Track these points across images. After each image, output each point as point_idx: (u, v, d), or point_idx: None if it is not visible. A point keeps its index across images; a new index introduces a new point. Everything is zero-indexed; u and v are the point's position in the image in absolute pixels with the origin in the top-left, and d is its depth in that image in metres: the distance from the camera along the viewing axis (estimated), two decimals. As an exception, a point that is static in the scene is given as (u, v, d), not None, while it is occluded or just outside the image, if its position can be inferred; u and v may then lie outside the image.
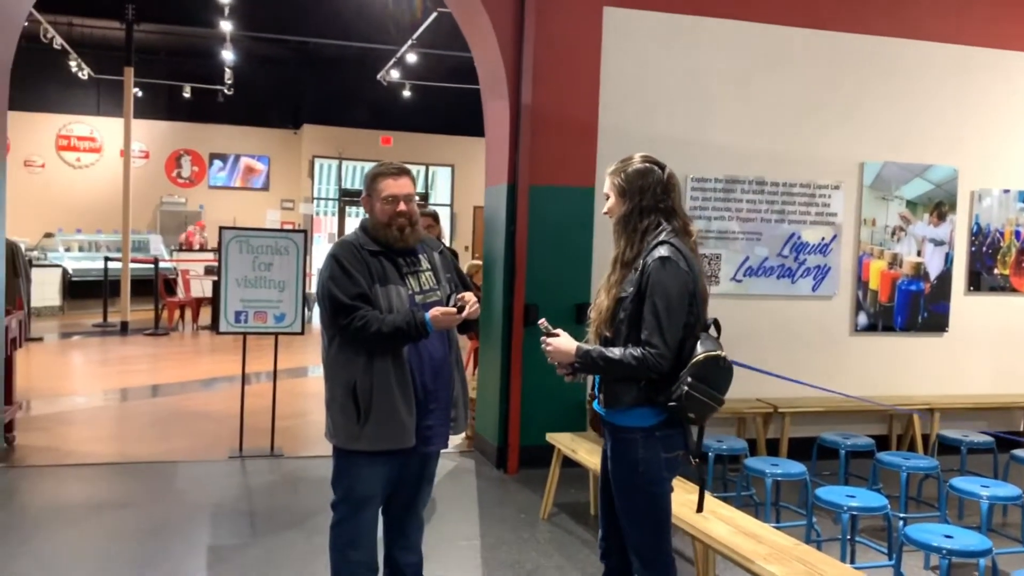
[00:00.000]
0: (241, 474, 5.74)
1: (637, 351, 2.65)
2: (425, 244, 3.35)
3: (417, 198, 3.33)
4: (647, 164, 2.84)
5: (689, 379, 2.61)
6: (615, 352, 2.69)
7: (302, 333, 6.39)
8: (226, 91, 16.60)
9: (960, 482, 4.40)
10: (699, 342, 2.67)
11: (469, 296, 3.15)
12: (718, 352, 2.67)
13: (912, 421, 6.51)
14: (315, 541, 4.45)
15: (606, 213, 2.92)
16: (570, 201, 5.95)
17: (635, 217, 2.80)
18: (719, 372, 2.67)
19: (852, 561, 4.15)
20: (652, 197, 2.79)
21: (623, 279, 2.77)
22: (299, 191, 19.00)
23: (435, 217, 6.49)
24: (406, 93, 16.69)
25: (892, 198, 6.73)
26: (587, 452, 4.73)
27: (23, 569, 4.05)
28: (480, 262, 6.77)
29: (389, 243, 3.20)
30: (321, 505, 4.97)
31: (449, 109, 17.36)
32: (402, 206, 3.19)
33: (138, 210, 16.12)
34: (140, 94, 16.44)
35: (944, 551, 3.42)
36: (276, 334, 6.28)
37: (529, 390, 5.88)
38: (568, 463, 5.02)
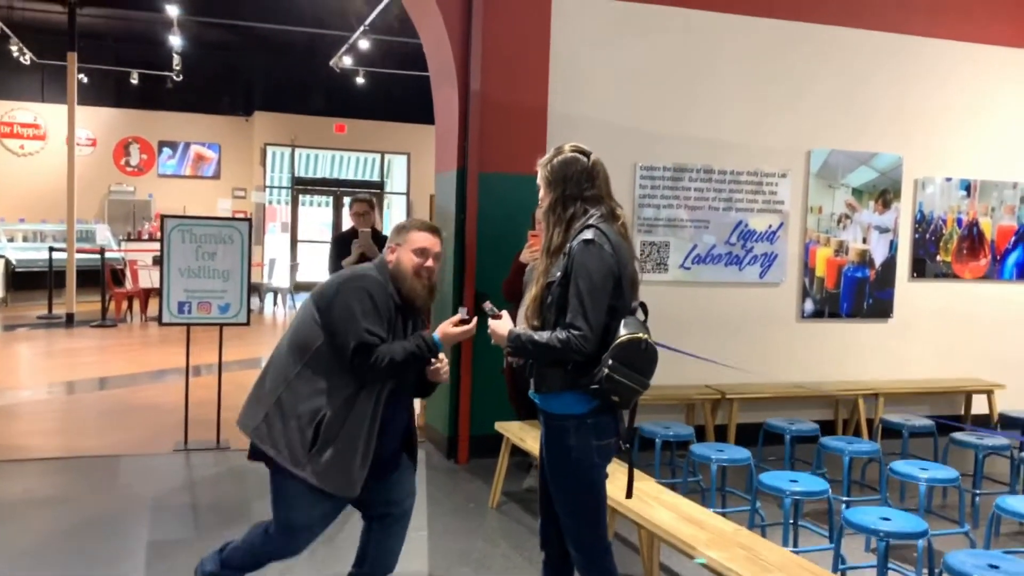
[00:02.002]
0: (185, 467, 5.64)
1: (562, 333, 2.65)
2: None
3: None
4: (572, 154, 2.86)
5: (610, 361, 2.61)
6: (543, 335, 2.71)
7: (247, 323, 6.28)
8: (175, 77, 16.26)
9: (900, 465, 4.48)
10: (622, 324, 2.67)
11: (443, 360, 3.18)
12: (640, 335, 2.66)
13: (857, 406, 6.62)
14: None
15: (541, 205, 2.92)
16: (520, 188, 5.88)
17: (559, 206, 2.82)
18: (641, 355, 2.66)
19: (795, 545, 4.20)
20: (575, 186, 2.81)
21: (551, 266, 2.78)
22: (251, 179, 18.71)
23: (371, 204, 6.39)
24: (360, 80, 16.50)
25: (838, 186, 6.81)
26: (535, 440, 4.71)
27: (-47, 568, 3.94)
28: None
29: (412, 296, 3.17)
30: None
31: (404, 96, 17.22)
32: (431, 262, 3.18)
33: (86, 199, 15.78)
34: (86, 80, 16.04)
35: (881, 533, 3.48)
36: (221, 325, 6.17)
37: (479, 380, 5.86)
38: (517, 452, 5.01)
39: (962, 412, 7.10)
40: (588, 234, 2.71)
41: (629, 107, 6.23)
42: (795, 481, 4.10)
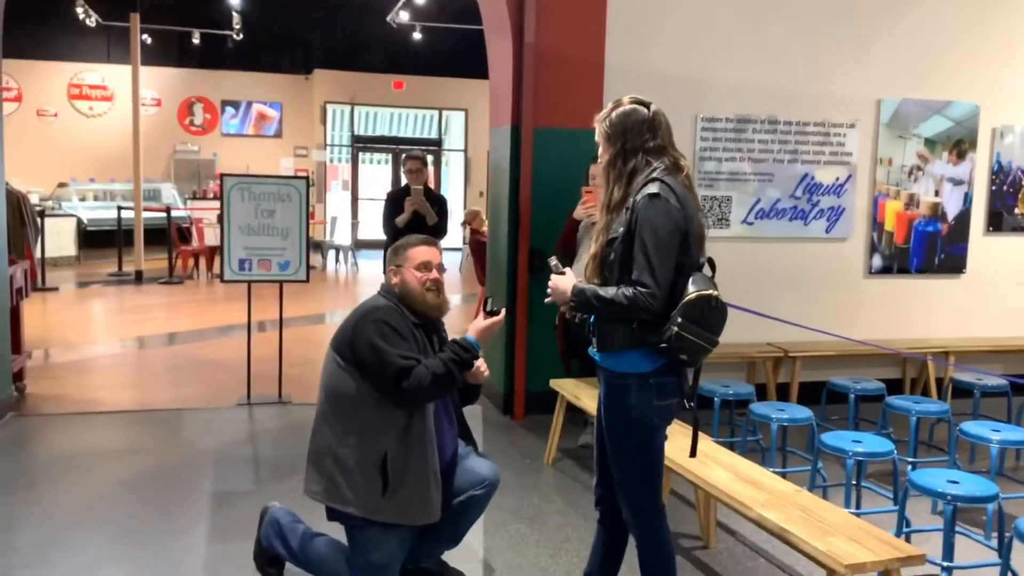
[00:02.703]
0: (248, 421, 5.76)
1: (629, 290, 2.58)
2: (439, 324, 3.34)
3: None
4: (631, 105, 2.75)
5: (679, 319, 2.53)
6: (608, 291, 2.63)
7: (307, 281, 6.35)
8: (235, 36, 16.37)
9: (970, 426, 4.31)
10: (690, 281, 2.57)
11: (482, 364, 3.15)
12: (710, 292, 2.57)
13: (926, 365, 6.41)
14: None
15: (600, 161, 2.82)
16: (576, 143, 5.77)
17: (619, 160, 2.71)
18: (711, 312, 2.57)
19: (857, 507, 4.10)
20: (637, 137, 2.70)
21: (612, 222, 2.69)
22: (312, 138, 18.85)
23: (423, 160, 6.34)
24: (417, 36, 16.39)
25: (910, 136, 6.52)
26: (589, 398, 4.68)
27: (28, 517, 4.09)
28: (477, 208, 6.68)
29: (426, 310, 3.17)
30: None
31: (461, 51, 17.01)
32: (435, 273, 3.18)
33: (152, 159, 16.07)
34: (149, 41, 16.27)
35: (949, 496, 3.36)
36: (280, 282, 6.25)
37: (534, 337, 5.82)
38: (573, 408, 4.99)
39: (1038, 372, 6.83)
40: (653, 188, 2.60)
41: (690, 56, 6.03)
42: (858, 441, 3.99)
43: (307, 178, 6.44)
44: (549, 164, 5.75)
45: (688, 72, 6.02)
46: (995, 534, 3.69)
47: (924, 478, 3.51)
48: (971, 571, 3.53)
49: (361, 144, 18.79)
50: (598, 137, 2.82)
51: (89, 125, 17.89)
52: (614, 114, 2.75)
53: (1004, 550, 3.25)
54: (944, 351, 6.38)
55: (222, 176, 6.14)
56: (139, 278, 12.46)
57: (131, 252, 12.85)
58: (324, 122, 18.49)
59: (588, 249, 5.07)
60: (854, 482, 4.07)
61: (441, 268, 3.24)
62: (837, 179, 6.41)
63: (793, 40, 6.22)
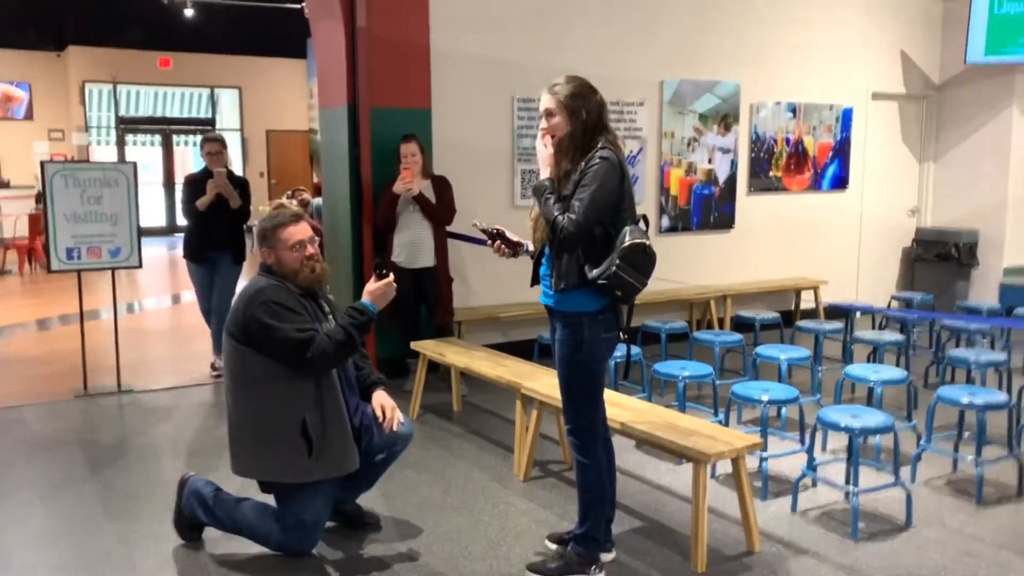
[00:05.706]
0: (98, 409, 5.67)
1: (561, 214, 3.04)
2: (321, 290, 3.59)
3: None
4: (587, 86, 3.14)
5: (618, 261, 3.04)
6: (553, 207, 3.07)
7: (140, 266, 6.28)
8: (-25, 9, 14.88)
9: (764, 349, 5.29)
10: (628, 232, 3.07)
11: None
12: (643, 241, 3.08)
13: (709, 306, 7.51)
14: (188, 464, 4.62)
15: (546, 131, 3.16)
16: (410, 123, 6.17)
17: (580, 135, 3.10)
18: (644, 258, 3.09)
19: (685, 423, 4.92)
20: (593, 115, 3.11)
21: (564, 187, 3.09)
22: (70, 120, 17.53)
23: (223, 143, 6.37)
24: (188, 12, 15.74)
25: (687, 112, 7.54)
26: (454, 354, 5.18)
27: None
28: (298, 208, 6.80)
29: (309, 284, 3.40)
30: (181, 435, 5.12)
31: (234, 27, 16.56)
32: (309, 249, 3.40)
33: None
34: None
35: (765, 401, 4.22)
36: (112, 269, 6.15)
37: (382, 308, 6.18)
38: (433, 367, 5.44)
39: (793, 306, 8.18)
40: (604, 153, 3.06)
41: (505, 41, 6.61)
42: (684, 368, 4.81)
43: (135, 164, 6.31)
44: (385, 142, 6.09)
45: (504, 56, 6.60)
46: (797, 432, 4.64)
47: (743, 389, 4.36)
48: (783, 458, 4.45)
49: (127, 125, 17.74)
50: (552, 105, 3.10)
51: None
52: (575, 87, 3.09)
53: (810, 438, 4.17)
54: (723, 294, 7.51)
55: (43, 164, 5.92)
56: None
57: None
58: (83, 103, 17.25)
59: (408, 220, 5.65)
60: (684, 402, 4.90)
61: (313, 241, 3.46)
62: (631, 151, 7.30)
63: (592, 29, 6.98)
